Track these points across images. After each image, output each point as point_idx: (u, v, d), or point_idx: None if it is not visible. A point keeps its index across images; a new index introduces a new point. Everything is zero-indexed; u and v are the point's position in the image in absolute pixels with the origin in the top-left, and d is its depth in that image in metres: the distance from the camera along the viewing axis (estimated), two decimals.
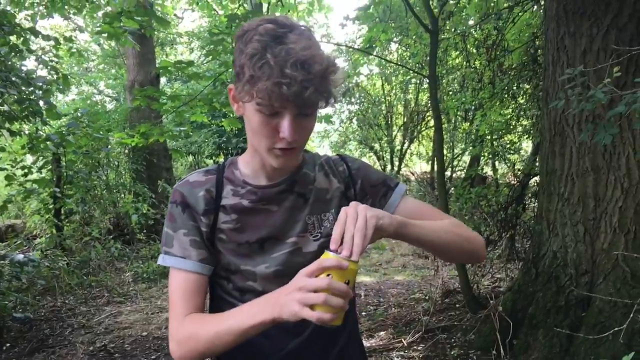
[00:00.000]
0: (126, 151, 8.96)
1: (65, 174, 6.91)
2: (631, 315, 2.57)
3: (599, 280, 3.38)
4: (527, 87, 5.70)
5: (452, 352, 3.89)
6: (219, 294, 1.35)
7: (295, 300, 0.99)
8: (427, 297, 5.12)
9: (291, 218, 1.31)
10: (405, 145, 13.38)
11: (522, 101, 6.03)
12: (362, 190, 1.39)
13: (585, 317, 3.39)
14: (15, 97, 4.96)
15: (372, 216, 1.07)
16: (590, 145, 3.43)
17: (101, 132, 7.08)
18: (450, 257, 1.49)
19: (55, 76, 5.67)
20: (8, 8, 6.51)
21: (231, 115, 5.74)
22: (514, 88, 5.66)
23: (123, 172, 8.78)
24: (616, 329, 2.65)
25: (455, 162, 11.57)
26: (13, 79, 4.98)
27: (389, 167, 13.30)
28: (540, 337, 3.49)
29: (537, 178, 5.21)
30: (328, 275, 0.99)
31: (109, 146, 7.93)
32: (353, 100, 13.33)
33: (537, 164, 5.10)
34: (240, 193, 1.31)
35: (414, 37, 7.49)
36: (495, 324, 3.69)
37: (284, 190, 1.32)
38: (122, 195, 8.62)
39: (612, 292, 3.24)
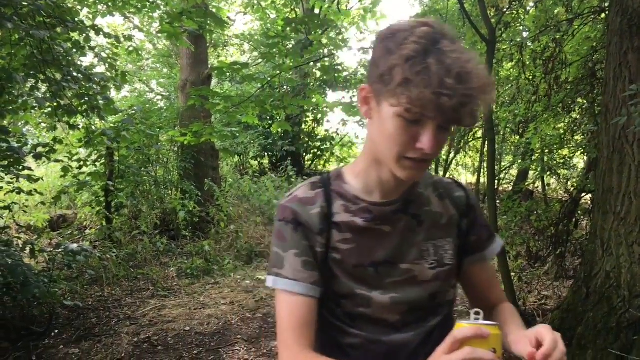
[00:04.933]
0: (175, 149, 9.15)
1: (117, 168, 7.10)
2: None
3: None
4: (583, 101, 5.57)
5: None
6: (326, 318, 1.26)
7: None
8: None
9: (406, 242, 1.22)
10: (451, 155, 13.23)
11: (576, 116, 5.90)
12: (472, 224, 1.31)
13: (637, 340, 3.28)
14: (76, 91, 5.13)
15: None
16: None
17: (152, 130, 7.26)
18: None
19: (113, 73, 5.85)
20: (69, 5, 6.75)
21: (278, 119, 5.80)
22: (570, 102, 5.54)
23: (171, 170, 8.96)
24: None
25: (502, 175, 11.38)
26: (74, 73, 5.15)
27: None
28: (589, 359, 3.39)
29: (590, 195, 5.07)
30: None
31: (159, 143, 8.11)
32: None
33: (589, 180, 4.98)
34: (352, 210, 1.21)
35: (467, 46, 7.42)
36: None
37: (398, 210, 1.21)
38: (170, 192, 8.80)
39: None
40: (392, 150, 1.06)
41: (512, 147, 10.86)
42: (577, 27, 5.16)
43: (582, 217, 5.43)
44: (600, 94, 4.64)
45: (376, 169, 1.18)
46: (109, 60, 5.96)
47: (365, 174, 1.21)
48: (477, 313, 0.93)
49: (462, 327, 0.90)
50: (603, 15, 4.90)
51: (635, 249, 3.40)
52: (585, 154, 5.94)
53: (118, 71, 5.91)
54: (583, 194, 5.23)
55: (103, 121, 6.63)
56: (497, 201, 6.21)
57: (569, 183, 6.12)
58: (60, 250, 4.81)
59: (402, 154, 1.05)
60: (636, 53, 3.44)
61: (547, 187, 7.87)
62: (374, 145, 1.15)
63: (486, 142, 4.62)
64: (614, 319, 3.40)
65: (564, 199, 5.35)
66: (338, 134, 15.64)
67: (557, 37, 5.12)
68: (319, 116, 14.87)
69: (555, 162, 6.49)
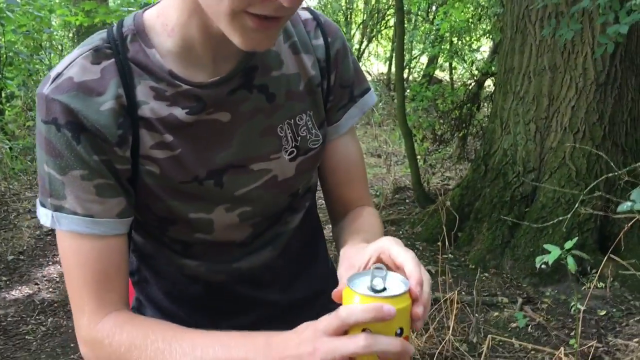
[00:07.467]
0: (70, 35, 8.47)
1: (5, 55, 6.49)
2: (575, 207, 2.67)
3: (545, 177, 3.48)
4: None
5: None
6: (145, 245, 0.91)
7: None
8: (378, 193, 5.21)
9: (255, 130, 0.82)
10: (364, 44, 13.13)
11: (483, 2, 5.92)
12: (332, 88, 0.90)
13: (528, 212, 3.52)
14: None
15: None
16: (550, 43, 3.41)
17: (43, 12, 6.62)
18: None
19: None
20: None
21: None
22: None
23: None
24: (560, 218, 2.76)
25: (412, 64, 11.48)
26: None
27: None
28: (484, 230, 3.62)
29: (493, 78, 5.22)
30: (364, 330, 0.59)
31: (52, 28, 7.45)
32: None
33: (493, 63, 5.09)
34: (167, 95, 0.76)
35: None
36: (442, 218, 3.80)
37: (239, 86, 0.79)
38: None
39: (557, 189, 3.35)
40: (221, 4, 0.61)
41: (424, 36, 10.91)
42: None
43: (485, 101, 5.61)
44: None
45: (200, 25, 0.72)
46: None
47: (183, 31, 0.73)
48: (378, 269, 0.62)
49: (354, 306, 0.60)
50: None
51: (531, 126, 3.56)
52: (491, 39, 6.04)
53: None
54: (487, 77, 5.36)
55: None
56: (408, 89, 6.28)
57: (474, 66, 6.25)
58: None
59: (240, 8, 0.61)
60: None
61: (453, 72, 8.00)
62: None
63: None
64: (508, 193, 3.62)
65: (468, 81, 5.47)
66: None
67: None
68: None
69: (462, 47, 6.58)
